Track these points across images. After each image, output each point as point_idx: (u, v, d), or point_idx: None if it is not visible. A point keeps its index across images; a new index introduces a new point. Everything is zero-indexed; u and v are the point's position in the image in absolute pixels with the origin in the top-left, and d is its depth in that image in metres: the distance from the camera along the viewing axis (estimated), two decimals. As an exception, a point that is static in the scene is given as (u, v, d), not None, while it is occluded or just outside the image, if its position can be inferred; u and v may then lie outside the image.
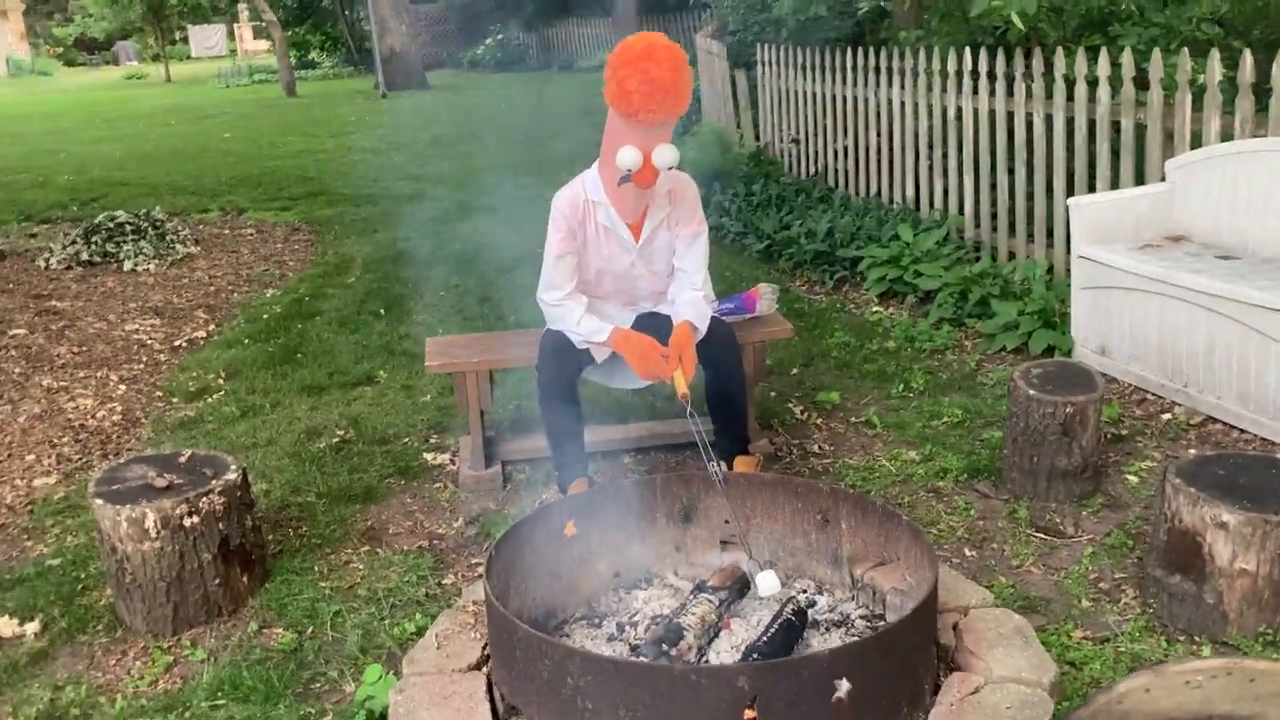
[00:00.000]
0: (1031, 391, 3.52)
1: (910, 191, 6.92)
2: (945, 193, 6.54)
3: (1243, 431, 3.94)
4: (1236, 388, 3.97)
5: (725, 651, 2.53)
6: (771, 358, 4.99)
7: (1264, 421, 3.87)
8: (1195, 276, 4.08)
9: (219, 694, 2.75)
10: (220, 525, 3.06)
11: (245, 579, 3.17)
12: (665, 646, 2.43)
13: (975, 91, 6.12)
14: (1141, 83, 5.02)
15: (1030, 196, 5.81)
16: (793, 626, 2.51)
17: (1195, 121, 4.77)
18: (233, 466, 3.18)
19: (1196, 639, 2.81)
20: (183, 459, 3.23)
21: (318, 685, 2.81)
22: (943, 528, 3.48)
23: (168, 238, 8.17)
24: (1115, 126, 5.21)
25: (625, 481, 3.05)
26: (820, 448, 4.11)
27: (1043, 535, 3.40)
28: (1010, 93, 5.86)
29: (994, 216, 6.10)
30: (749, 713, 2.06)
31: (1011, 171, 5.95)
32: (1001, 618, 2.65)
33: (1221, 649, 2.76)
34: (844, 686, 2.11)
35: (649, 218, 3.50)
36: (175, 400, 4.95)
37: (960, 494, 3.69)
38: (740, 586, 2.68)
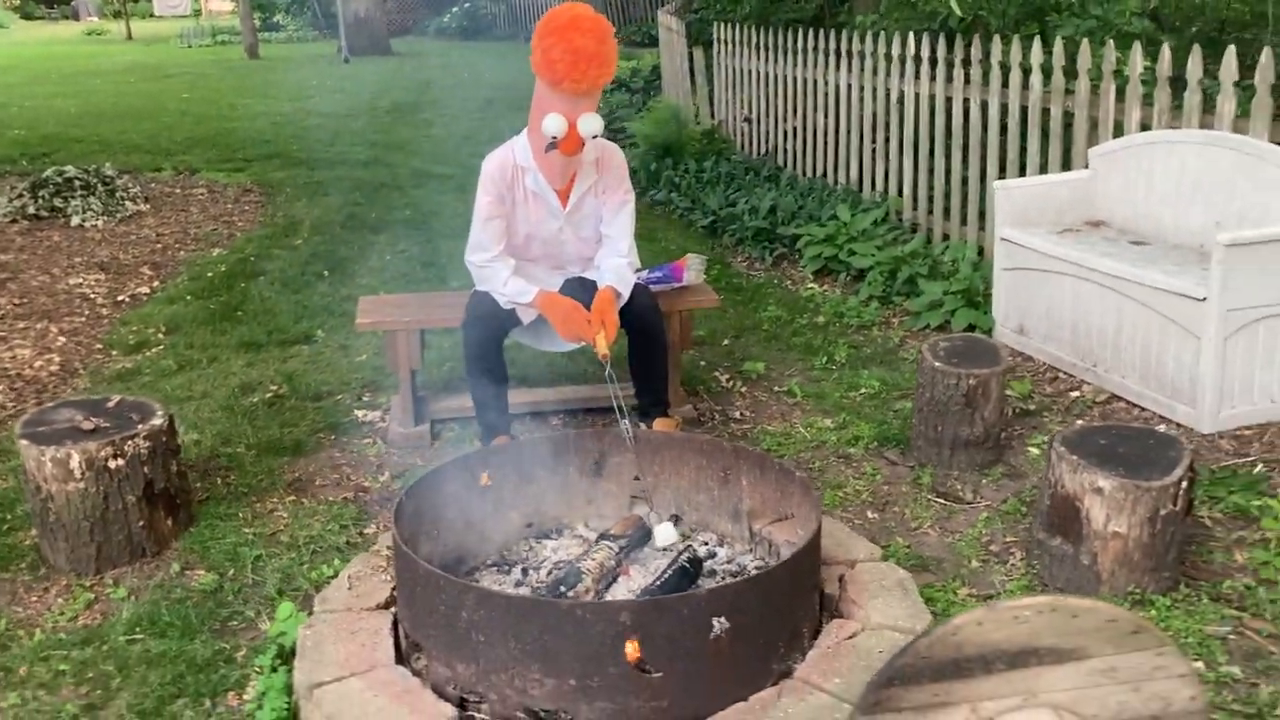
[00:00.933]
0: (937, 364, 3.67)
1: (854, 173, 7.07)
2: (886, 175, 6.69)
3: (1143, 409, 4.12)
4: (1139, 367, 4.14)
5: (621, 595, 2.66)
6: (704, 328, 5.13)
7: (1161, 400, 4.05)
8: (1106, 260, 4.25)
9: (137, 629, 2.85)
10: (145, 469, 3.15)
11: (170, 522, 3.27)
12: (563, 589, 2.56)
13: (917, 76, 6.26)
14: (1072, 72, 5.18)
15: (965, 180, 5.97)
16: (686, 573, 2.64)
17: (1119, 111, 4.93)
18: (159, 412, 3.26)
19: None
20: (111, 404, 3.31)
21: (235, 623, 2.92)
22: (849, 491, 3.63)
23: (117, 194, 8.16)
24: (1046, 114, 5.37)
25: (540, 436, 3.16)
26: (742, 414, 4.24)
27: (942, 500, 3.56)
28: (950, 78, 6.00)
29: (930, 199, 6.26)
30: (630, 646, 2.19)
31: (949, 155, 6.10)
32: (886, 571, 2.80)
33: (1095, 607, 2.93)
34: (721, 624, 2.24)
35: (576, 184, 3.61)
36: (114, 353, 5.00)
37: (869, 460, 3.84)
38: (641, 536, 2.82)
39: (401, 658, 2.49)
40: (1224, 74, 4.30)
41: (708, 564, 2.90)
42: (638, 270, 3.76)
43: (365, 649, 2.48)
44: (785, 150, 8.04)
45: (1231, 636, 2.79)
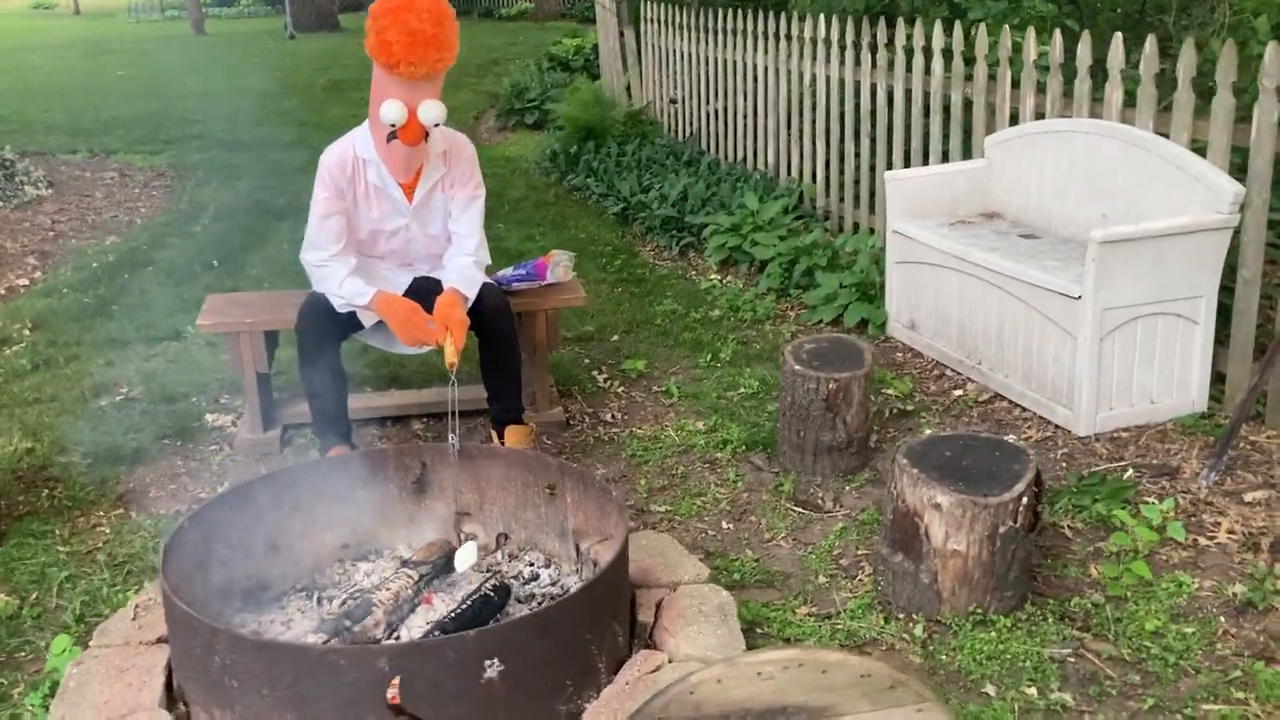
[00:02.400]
0: (797, 367, 3.53)
1: (770, 158, 6.91)
2: (800, 161, 6.53)
3: (1024, 410, 3.99)
4: (1021, 366, 4.01)
5: (418, 627, 2.50)
6: (594, 323, 4.97)
7: (1042, 400, 3.92)
8: (988, 255, 4.11)
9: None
10: (-61, 486, 2.96)
11: (-28, 542, 3.08)
12: (349, 622, 2.40)
13: (828, 60, 6.10)
14: (975, 59, 5.02)
15: (873, 168, 5.82)
16: (489, 602, 2.49)
17: (1014, 99, 4.79)
18: (-41, 426, 3.07)
19: (914, 616, 2.84)
20: (-93, 417, 3.11)
21: (22, 654, 2.74)
22: (708, 499, 3.49)
23: (16, 179, 7.90)
24: (948, 101, 5.22)
25: (352, 452, 3.00)
26: (613, 416, 4.09)
27: (800, 509, 3.42)
28: (858, 62, 5.84)
29: (841, 187, 6.11)
30: (391, 689, 2.04)
31: (857, 141, 5.95)
32: (708, 595, 2.65)
33: (934, 627, 2.80)
34: (495, 667, 2.09)
35: (423, 178, 3.43)
36: (18, 349, 4.78)
37: (735, 466, 3.70)
38: (446, 561, 2.65)
39: (173, 699, 2.33)
40: (1111, 60, 4.15)
41: (529, 587, 2.75)
42: (497, 270, 3.58)
43: (131, 690, 2.32)
44: (708, 134, 7.86)
45: (1071, 659, 2.67)
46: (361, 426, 3.97)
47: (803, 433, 3.57)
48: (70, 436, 3.87)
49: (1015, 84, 4.76)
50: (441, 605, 2.57)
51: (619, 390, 4.30)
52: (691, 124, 8.16)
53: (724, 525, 3.36)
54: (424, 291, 3.54)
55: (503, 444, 3.53)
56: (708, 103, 7.82)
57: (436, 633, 2.36)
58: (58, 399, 4.21)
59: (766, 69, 6.82)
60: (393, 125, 3.17)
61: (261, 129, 10.60)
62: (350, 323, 3.43)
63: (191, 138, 10.15)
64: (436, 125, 3.20)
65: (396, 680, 2.03)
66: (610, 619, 2.35)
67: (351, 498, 2.87)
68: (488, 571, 2.82)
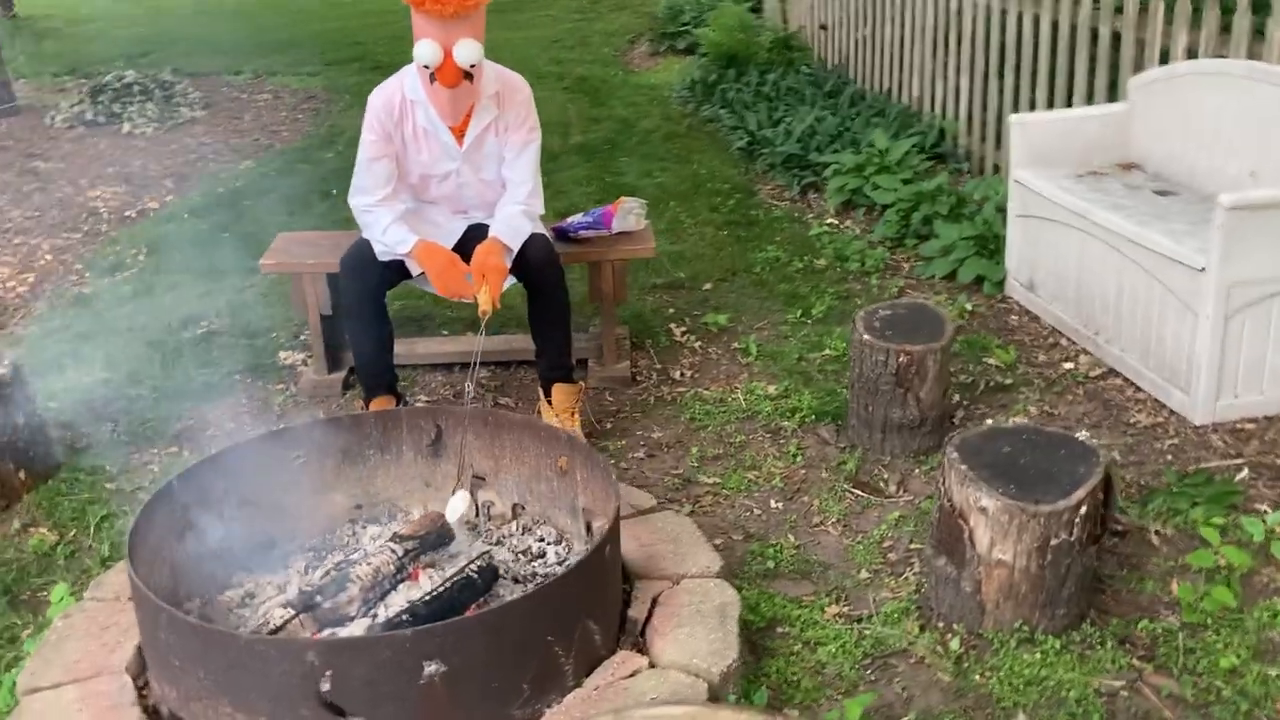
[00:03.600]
0: (867, 336, 3.22)
1: (915, 91, 6.44)
2: (944, 95, 6.06)
3: (1138, 390, 3.57)
4: (1140, 341, 3.58)
5: (397, 606, 2.38)
6: (688, 269, 4.74)
7: (1159, 381, 3.50)
8: (1110, 214, 3.66)
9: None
10: (-16, 421, 3.02)
11: (21, 475, 3.15)
12: (320, 599, 2.31)
13: (975, -15, 5.59)
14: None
15: (1016, 106, 5.33)
16: (471, 585, 2.35)
17: (1166, 36, 4.24)
18: (7, 362, 3.12)
19: (954, 627, 2.57)
20: (-38, 351, 3.19)
21: (45, 594, 2.78)
22: (761, 473, 3.26)
23: (174, 100, 8.14)
24: (1095, 35, 4.69)
25: (367, 412, 2.89)
26: (682, 374, 3.87)
27: (858, 492, 3.15)
28: (1005, -12, 5.33)
29: (984, 125, 5.63)
30: (326, 686, 1.93)
31: (1002, 77, 5.45)
32: (712, 592, 2.45)
33: (973, 641, 2.52)
34: (435, 668, 1.96)
35: (474, 121, 3.26)
36: (87, 275, 4.94)
37: (799, 437, 3.44)
38: (438, 536, 2.53)
39: (144, 664, 2.29)
40: (1275, -6, 3.59)
41: (535, 564, 2.61)
42: (568, 218, 3.39)
43: (105, 649, 2.30)
44: (856, 63, 7.39)
45: (1124, 693, 2.35)
46: (427, 373, 3.89)
47: (871, 408, 3.28)
48: (145, 369, 3.93)
49: (1170, 17, 4.21)
50: (427, 583, 2.45)
51: (695, 345, 4.07)
52: (840, 52, 7.70)
53: (772, 504, 3.12)
54: (479, 239, 3.40)
55: (549, 402, 3.38)
56: (856, 29, 7.34)
57: (406, 616, 2.24)
58: (147, 329, 4.28)
59: (913, -7, 6.33)
60: (426, 67, 3.00)
61: (419, 51, 10.62)
62: (398, 270, 3.31)
63: (351, 60, 10.27)
64: (473, 66, 3.01)
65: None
66: (582, 617, 2.17)
67: (364, 457, 2.78)
68: (496, 542, 2.69)
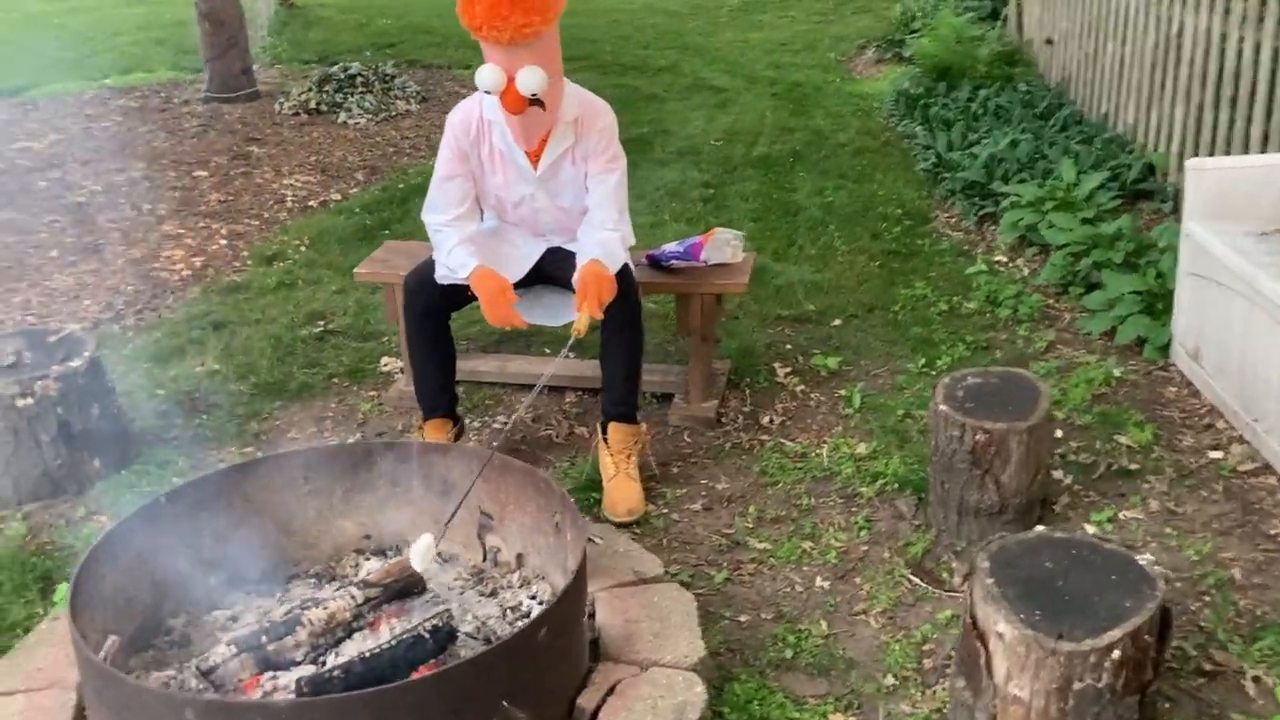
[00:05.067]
0: (944, 407, 2.87)
1: (1130, 118, 5.82)
2: (1157, 125, 5.44)
3: (1292, 495, 3.04)
4: (1300, 438, 3.05)
5: (349, 655, 2.29)
6: (820, 302, 4.45)
7: (1313, 489, 2.96)
8: (1278, 285, 3.13)
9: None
10: (59, 410, 3.16)
11: (96, 463, 3.28)
12: (264, 639, 2.25)
13: (1197, 5, 4.97)
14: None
15: (1230, 144, 4.71)
16: (418, 644, 2.23)
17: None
18: (85, 354, 3.25)
19: (965, 764, 2.23)
20: (53, 337, 3.35)
21: (77, 584, 2.87)
22: (818, 545, 2.98)
23: (391, 92, 8.46)
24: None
25: (378, 442, 2.82)
26: (771, 420, 3.61)
27: (916, 580, 2.82)
28: (1228, 10, 4.70)
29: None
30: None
31: (1217, 109, 4.83)
32: (678, 687, 2.23)
33: (981, 785, 2.18)
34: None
35: (549, 146, 3.14)
36: (249, 263, 5.16)
37: (874, 507, 3.13)
38: (405, 585, 2.42)
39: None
40: None
41: (520, 624, 2.46)
42: (664, 245, 3.23)
43: (68, 662, 2.32)
44: (1077, 82, 6.78)
45: None
46: (517, 393, 3.81)
47: (947, 485, 2.93)
48: (255, 363, 4.03)
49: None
50: (387, 633, 2.35)
51: (797, 389, 3.79)
52: (1063, 69, 7.08)
53: (818, 581, 2.84)
54: (556, 262, 3.29)
55: (605, 441, 3.21)
56: (1080, 46, 6.72)
57: (339, 673, 2.14)
58: (274, 322, 4.41)
59: (1136, 10, 5.70)
60: (488, 93, 2.90)
61: (647, 51, 10.63)
62: (462, 292, 3.22)
63: (575, 58, 10.35)
64: (534, 95, 2.88)
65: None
66: (500, 704, 2.01)
67: (374, 488, 2.71)
68: (491, 593, 2.57)
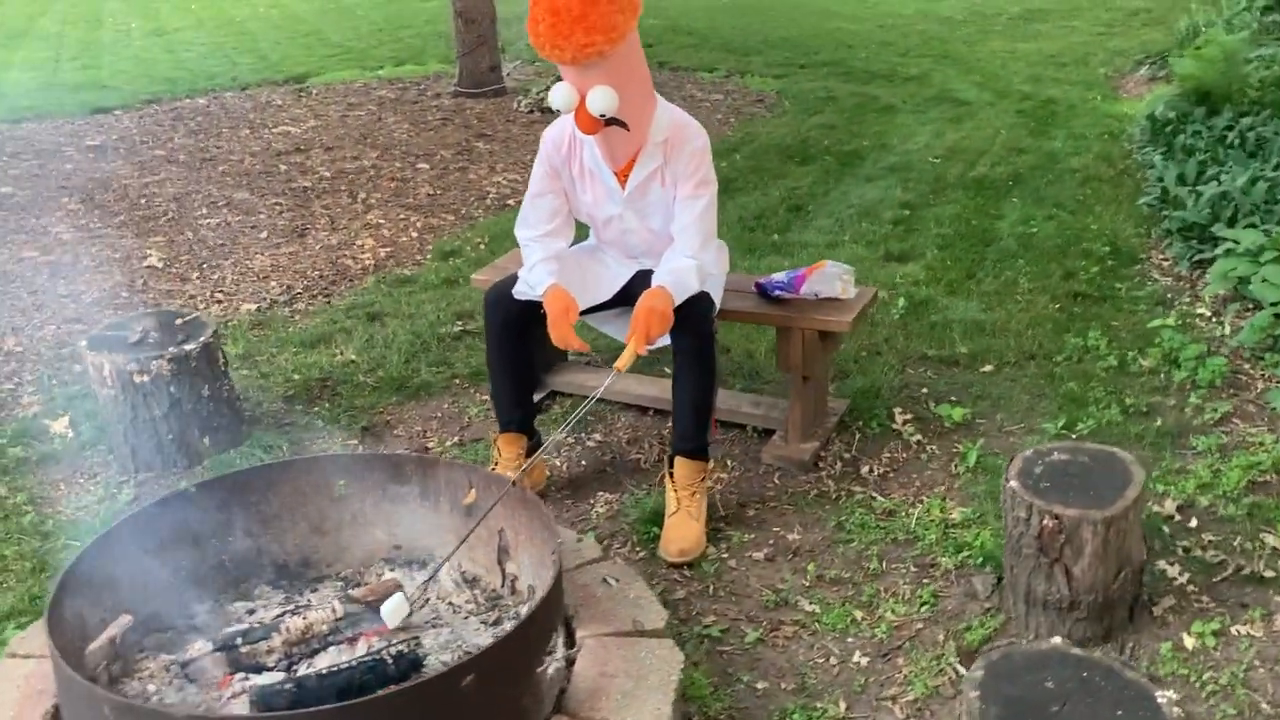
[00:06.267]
0: (1014, 483, 2.57)
1: (1407, 158, 5.04)
2: None
3: None
4: None
5: (320, 667, 2.30)
6: (976, 344, 4.11)
7: None
8: None
9: (75, 536, 3.11)
10: (171, 388, 3.37)
11: (206, 440, 3.48)
12: (240, 640, 2.30)
13: None
14: None
15: None
16: (378, 669, 2.21)
17: None
18: (204, 337, 3.45)
19: None
20: (181, 320, 3.57)
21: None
22: (872, 616, 2.75)
23: (624, 94, 8.54)
24: None
25: (409, 455, 2.80)
26: (871, 470, 3.36)
27: (963, 671, 2.54)
28: None
29: None
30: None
31: None
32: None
33: None
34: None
35: (638, 166, 3.05)
36: (428, 258, 5.35)
37: (948, 582, 2.85)
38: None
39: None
40: None
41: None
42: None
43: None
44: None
45: None
46: (621, 412, 3.75)
47: (1015, 570, 2.62)
48: (389, 358, 4.16)
49: None
50: (361, 651, 2.34)
51: (913, 439, 3.51)
52: (1348, 98, 6.23)
53: (856, 657, 2.62)
54: (646, 285, 3.18)
55: (671, 474, 3.09)
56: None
57: (291, 686, 2.16)
58: (423, 318, 4.54)
59: None
60: (558, 111, 2.85)
61: (902, 59, 10.24)
62: (538, 310, 3.17)
63: (823, 65, 10.13)
64: (603, 115, 2.80)
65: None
66: (416, 745, 1.95)
67: (404, 499, 2.72)
68: (494, 622, 2.52)
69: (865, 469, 3.37)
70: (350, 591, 2.43)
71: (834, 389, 3.79)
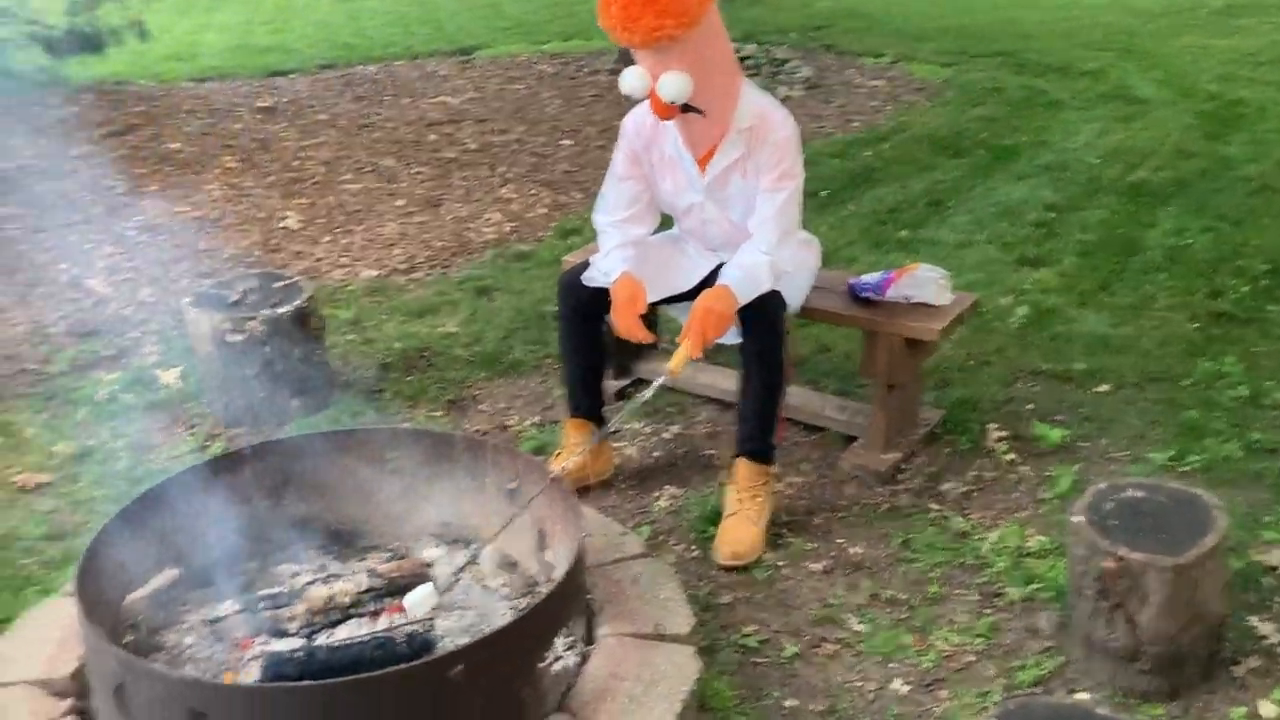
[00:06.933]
0: (1078, 517, 2.38)
1: None
2: None
3: None
4: None
5: (339, 637, 2.33)
6: (1097, 361, 3.87)
7: None
8: None
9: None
10: (264, 349, 3.47)
11: (295, 402, 3.58)
12: (264, 604, 2.35)
13: None
14: None
15: None
16: (387, 647, 2.21)
17: None
18: (299, 301, 3.54)
19: None
20: (281, 284, 3.67)
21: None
22: (923, 642, 2.61)
23: (779, 77, 8.40)
24: None
25: (459, 434, 2.78)
26: (951, 488, 3.19)
27: (1004, 714, 2.37)
28: None
29: None
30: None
31: None
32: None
33: None
34: None
35: (719, 154, 2.97)
36: (549, 235, 5.36)
37: (1011, 614, 2.68)
38: (407, 586, 2.40)
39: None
40: None
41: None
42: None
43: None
44: None
45: None
46: (701, 405, 3.67)
47: (1076, 611, 2.44)
48: (489, 334, 4.19)
49: None
50: (380, 626, 2.36)
51: (1003, 459, 3.31)
52: None
53: (896, 684, 2.49)
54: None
55: (732, 475, 3.00)
56: None
57: (300, 654, 2.19)
58: (529, 294, 4.55)
59: None
60: (628, 97, 2.79)
61: (1081, 52, 9.70)
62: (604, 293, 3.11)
63: (995, 55, 9.68)
64: (673, 103, 2.72)
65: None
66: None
67: (454, 478, 2.73)
68: (509, 604, 2.50)
69: (946, 486, 3.20)
70: (377, 566, 2.45)
71: (931, 398, 3.62)
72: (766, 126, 2.90)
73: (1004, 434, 3.41)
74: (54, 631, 2.39)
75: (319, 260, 5.07)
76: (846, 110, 7.85)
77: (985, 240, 5.07)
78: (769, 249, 2.92)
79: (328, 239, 5.35)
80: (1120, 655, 2.35)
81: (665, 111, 2.78)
